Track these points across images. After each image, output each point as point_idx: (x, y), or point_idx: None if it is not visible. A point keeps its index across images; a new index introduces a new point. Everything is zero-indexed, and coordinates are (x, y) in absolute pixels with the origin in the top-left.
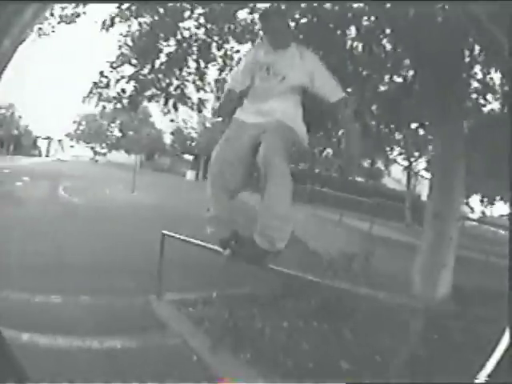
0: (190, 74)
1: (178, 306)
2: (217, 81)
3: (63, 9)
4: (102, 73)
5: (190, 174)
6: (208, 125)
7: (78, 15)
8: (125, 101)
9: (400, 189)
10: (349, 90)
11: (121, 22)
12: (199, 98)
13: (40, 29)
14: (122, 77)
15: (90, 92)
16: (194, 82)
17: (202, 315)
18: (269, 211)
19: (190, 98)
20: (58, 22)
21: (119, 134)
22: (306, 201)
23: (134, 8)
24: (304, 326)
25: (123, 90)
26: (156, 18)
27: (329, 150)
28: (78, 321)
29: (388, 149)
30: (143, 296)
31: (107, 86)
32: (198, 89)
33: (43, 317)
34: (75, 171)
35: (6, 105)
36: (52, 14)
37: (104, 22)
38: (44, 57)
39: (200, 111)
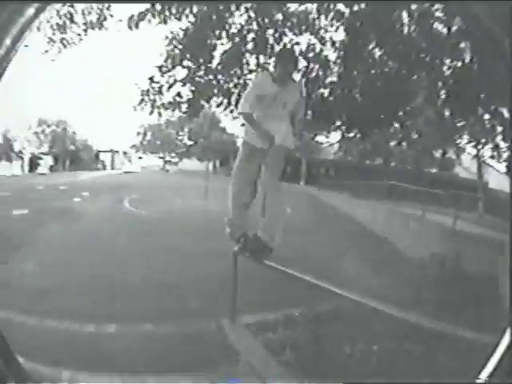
0: (251, 71)
1: (256, 330)
2: None
3: (85, 16)
4: (151, 78)
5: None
6: None
7: (105, 18)
8: (184, 106)
9: (469, 177)
10: (414, 77)
11: (160, 23)
12: None
13: (63, 39)
14: (175, 80)
15: (142, 100)
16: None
17: (283, 341)
18: (268, 215)
19: None
20: (84, 30)
21: (189, 142)
22: (383, 197)
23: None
24: (396, 348)
25: (179, 95)
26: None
27: (403, 143)
28: (134, 355)
29: (457, 137)
30: (215, 320)
31: (160, 91)
32: None
33: (91, 351)
34: (143, 182)
35: (55, 121)
36: (73, 21)
37: (131, 18)
38: (97, 70)
39: None
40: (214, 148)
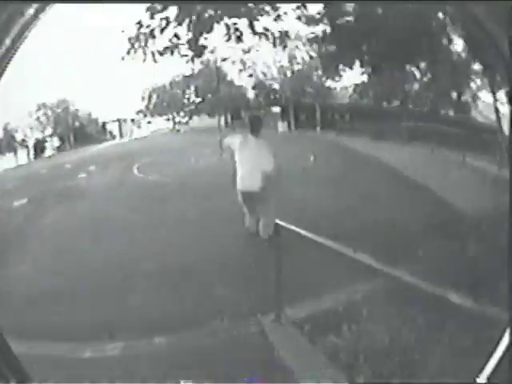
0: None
1: (309, 331)
2: (297, 8)
3: None
4: (139, 23)
5: (282, 126)
6: (289, 73)
7: None
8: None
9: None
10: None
11: None
12: (279, 31)
13: None
14: (168, 22)
15: (132, 47)
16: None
17: (350, 345)
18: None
19: (268, 30)
20: None
21: (197, 99)
22: (405, 139)
23: None
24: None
25: (176, 36)
26: None
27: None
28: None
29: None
30: (252, 318)
31: (151, 35)
32: (275, 19)
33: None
34: (154, 146)
35: (55, 103)
36: None
37: None
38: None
39: (285, 46)
40: (224, 102)
